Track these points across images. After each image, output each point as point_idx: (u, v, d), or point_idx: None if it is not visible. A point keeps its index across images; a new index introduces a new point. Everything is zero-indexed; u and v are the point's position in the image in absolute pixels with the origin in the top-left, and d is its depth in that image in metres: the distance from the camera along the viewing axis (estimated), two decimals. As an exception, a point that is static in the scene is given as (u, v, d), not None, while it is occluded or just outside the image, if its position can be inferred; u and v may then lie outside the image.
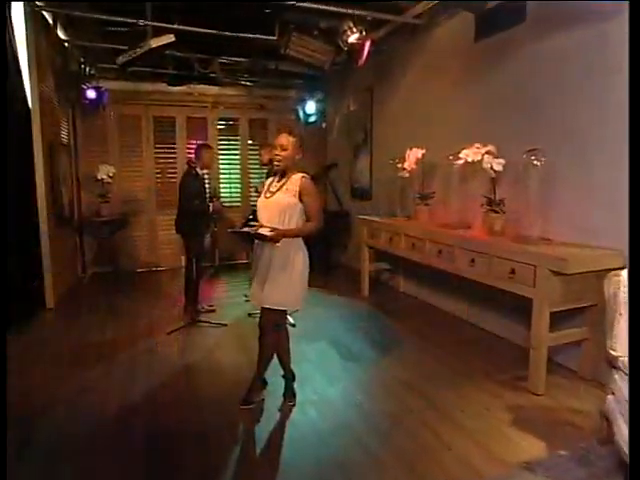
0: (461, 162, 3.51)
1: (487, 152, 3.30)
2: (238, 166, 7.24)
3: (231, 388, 3.02)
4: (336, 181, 7.02)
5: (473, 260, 3.38)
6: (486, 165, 3.28)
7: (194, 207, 4.36)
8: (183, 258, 5.20)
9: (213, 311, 4.78)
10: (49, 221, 4.91)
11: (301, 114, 7.08)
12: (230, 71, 6.44)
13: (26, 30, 4.49)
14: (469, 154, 3.33)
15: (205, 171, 4.67)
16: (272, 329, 2.78)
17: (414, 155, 4.25)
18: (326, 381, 3.18)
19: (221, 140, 7.06)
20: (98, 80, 5.93)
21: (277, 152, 2.65)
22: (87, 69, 5.71)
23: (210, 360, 3.56)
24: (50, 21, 4.86)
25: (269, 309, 2.70)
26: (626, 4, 2.60)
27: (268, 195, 2.68)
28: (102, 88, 5.87)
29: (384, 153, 5.41)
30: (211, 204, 4.54)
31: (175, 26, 4.36)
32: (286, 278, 2.65)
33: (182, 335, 4.09)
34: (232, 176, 7.26)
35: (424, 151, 4.27)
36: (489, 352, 3.65)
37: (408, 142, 4.58)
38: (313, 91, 7.01)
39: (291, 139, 2.68)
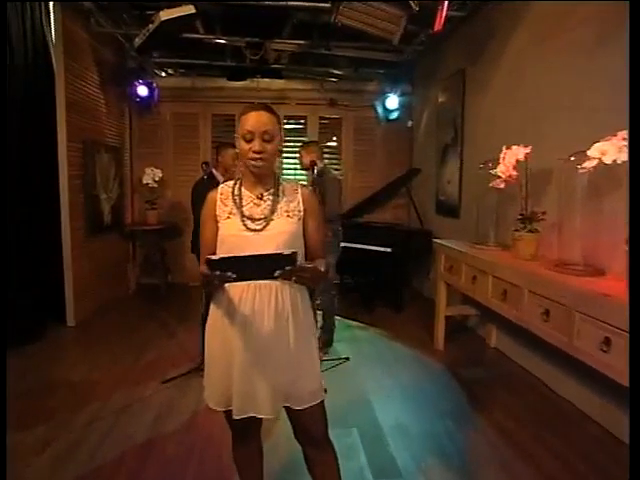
0: (591, 165, 2.07)
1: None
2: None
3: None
4: (418, 191, 5.67)
5: (608, 340, 1.91)
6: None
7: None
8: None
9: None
10: (77, 230, 4.38)
11: (380, 110, 5.89)
12: (295, 61, 5.51)
13: (51, 20, 4.00)
14: (607, 150, 1.89)
15: (222, 177, 3.75)
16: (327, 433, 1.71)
17: (513, 156, 2.81)
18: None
19: (287, 141, 6.13)
20: (152, 76, 5.39)
21: (256, 146, 1.52)
22: (140, 64, 5.18)
23: (185, 443, 2.55)
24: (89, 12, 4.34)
25: (312, 408, 1.61)
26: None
27: (258, 225, 1.56)
28: (154, 84, 5.31)
29: (478, 155, 3.97)
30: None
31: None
32: (308, 342, 1.63)
33: (177, 388, 3.16)
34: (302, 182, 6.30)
35: (528, 150, 2.81)
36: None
37: (510, 140, 3.13)
38: (396, 82, 5.75)
39: (274, 119, 1.58)
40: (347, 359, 3.65)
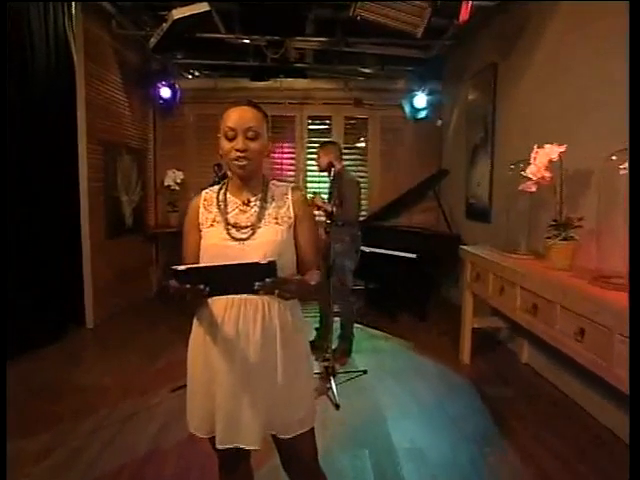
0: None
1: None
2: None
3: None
4: (447, 194, 5.39)
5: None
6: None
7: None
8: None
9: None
10: (96, 233, 4.38)
11: (407, 109, 5.65)
12: (319, 59, 5.35)
13: (69, 22, 4.00)
14: (653, 149, 1.61)
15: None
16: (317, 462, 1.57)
17: (545, 156, 2.54)
18: None
19: (311, 142, 5.97)
20: (176, 78, 5.36)
21: (239, 144, 1.38)
22: (163, 65, 5.17)
23: (185, 457, 2.41)
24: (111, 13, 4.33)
25: (301, 436, 1.47)
26: None
27: (243, 233, 1.41)
28: (176, 86, 5.28)
29: (510, 156, 3.68)
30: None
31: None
32: (299, 365, 1.48)
33: (185, 397, 3.04)
34: (322, 186, 6.13)
35: (563, 149, 2.52)
36: None
37: (544, 138, 2.85)
38: (424, 80, 5.50)
39: (259, 116, 1.43)
40: (364, 372, 3.45)
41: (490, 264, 3.12)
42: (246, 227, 1.42)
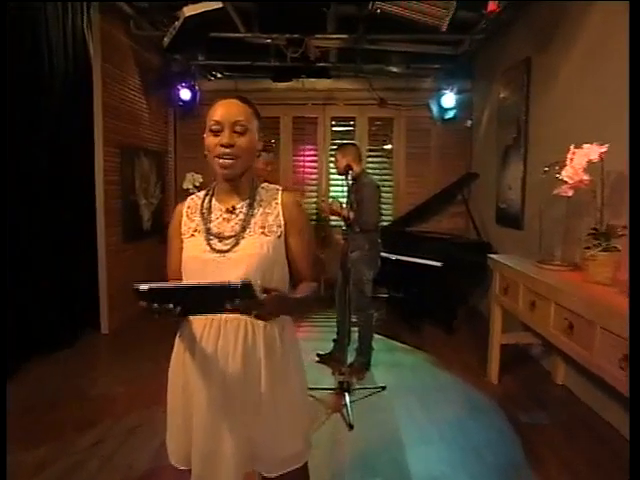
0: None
1: None
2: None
3: None
4: (476, 199, 5.10)
5: None
6: None
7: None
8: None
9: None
10: (113, 236, 4.33)
11: (435, 109, 5.39)
12: (343, 59, 5.17)
13: (88, 24, 3.96)
14: None
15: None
16: None
17: (583, 157, 2.26)
18: None
19: (334, 144, 5.77)
20: (196, 79, 5.29)
21: (225, 138, 1.23)
22: (183, 67, 5.10)
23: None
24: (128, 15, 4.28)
25: (290, 474, 1.30)
26: None
27: (225, 245, 1.25)
28: (196, 87, 5.21)
29: (544, 157, 3.37)
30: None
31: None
32: (288, 392, 1.31)
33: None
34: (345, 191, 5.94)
35: (604, 149, 2.24)
36: None
37: (583, 138, 2.56)
38: (453, 78, 5.23)
39: (249, 110, 1.28)
40: (383, 388, 3.23)
41: (521, 276, 2.84)
42: (229, 237, 1.26)
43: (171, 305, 1.04)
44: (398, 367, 3.68)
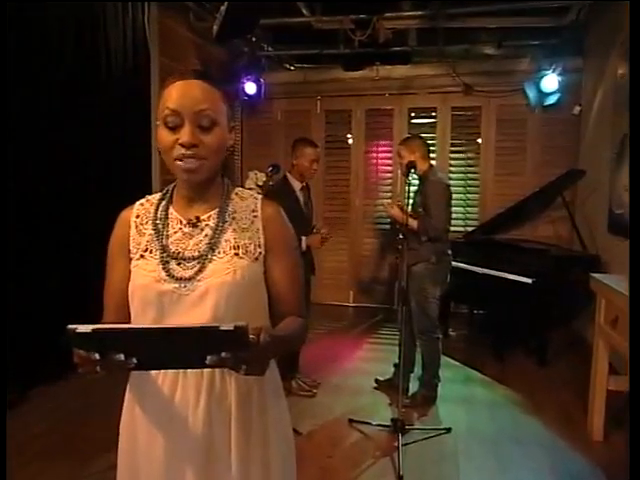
0: None
1: None
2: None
3: None
4: (583, 202, 4.22)
5: None
6: None
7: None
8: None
9: (311, 395, 3.13)
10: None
11: (532, 95, 4.58)
12: (421, 41, 4.58)
13: (148, 21, 3.83)
14: None
15: (299, 183, 3.12)
16: None
17: None
18: None
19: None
20: (261, 72, 5.04)
21: (185, 136, 0.90)
22: (249, 59, 4.87)
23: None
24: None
25: None
26: None
27: (187, 270, 0.93)
28: (261, 80, 4.96)
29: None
30: (304, 238, 2.91)
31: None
32: (268, 459, 1.00)
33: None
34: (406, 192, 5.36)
35: None
36: None
37: None
38: (557, 56, 4.38)
39: (216, 94, 0.97)
40: (448, 431, 2.66)
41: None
42: (192, 259, 0.95)
43: (122, 356, 0.73)
44: (471, 404, 3.06)
